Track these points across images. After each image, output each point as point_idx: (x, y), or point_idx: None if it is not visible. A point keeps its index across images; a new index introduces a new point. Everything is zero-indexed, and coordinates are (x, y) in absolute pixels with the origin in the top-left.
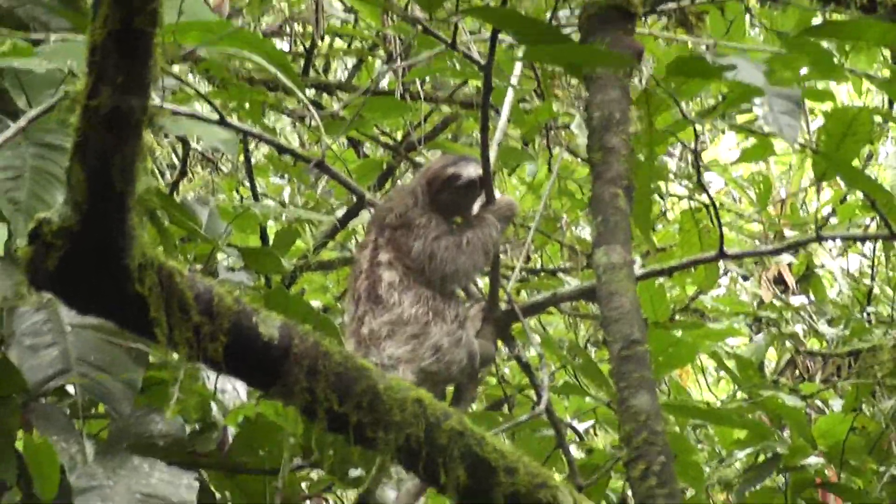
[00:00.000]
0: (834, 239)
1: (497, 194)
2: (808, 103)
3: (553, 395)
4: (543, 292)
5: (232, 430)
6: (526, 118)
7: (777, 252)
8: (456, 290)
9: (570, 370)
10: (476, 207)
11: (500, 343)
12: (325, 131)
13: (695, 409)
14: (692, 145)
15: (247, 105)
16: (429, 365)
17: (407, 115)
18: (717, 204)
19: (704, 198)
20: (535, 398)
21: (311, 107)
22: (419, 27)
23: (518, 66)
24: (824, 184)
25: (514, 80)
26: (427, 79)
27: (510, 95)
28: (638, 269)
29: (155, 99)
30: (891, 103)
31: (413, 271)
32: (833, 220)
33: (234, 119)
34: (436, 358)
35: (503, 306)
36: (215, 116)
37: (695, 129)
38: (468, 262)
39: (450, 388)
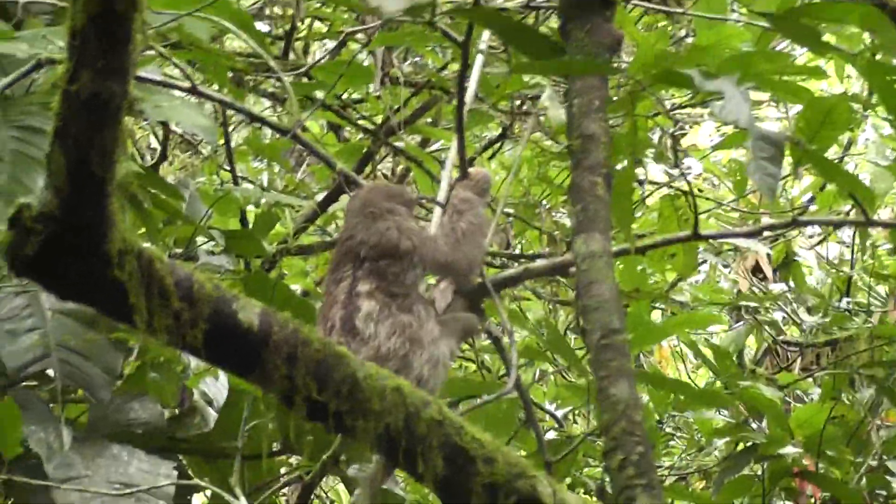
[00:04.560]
0: (811, 224)
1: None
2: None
3: (533, 383)
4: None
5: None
6: (496, 89)
7: (753, 234)
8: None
9: (539, 346)
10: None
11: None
12: (298, 106)
13: (674, 382)
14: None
15: (213, 67)
16: None
17: (386, 98)
18: (696, 190)
19: (682, 185)
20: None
21: (284, 77)
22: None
23: (486, 33)
24: (804, 172)
25: (482, 47)
26: (408, 60)
27: (479, 61)
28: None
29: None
30: (870, 92)
31: (397, 297)
32: (812, 208)
33: (206, 89)
34: (419, 388)
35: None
36: (187, 84)
37: (674, 120)
38: (475, 250)
39: None
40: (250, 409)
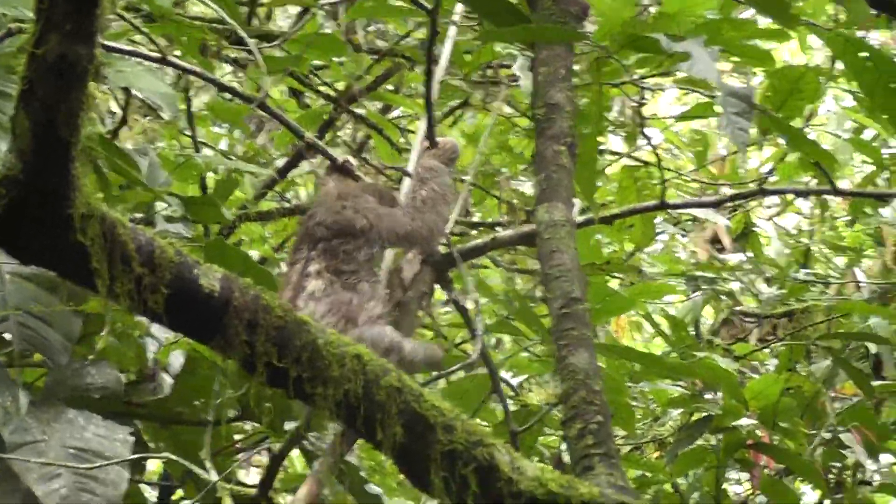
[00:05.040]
0: (778, 193)
1: (439, 139)
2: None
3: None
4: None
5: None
6: (467, 59)
7: (719, 204)
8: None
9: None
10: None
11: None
12: (267, 74)
13: (630, 351)
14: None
15: (184, 39)
16: None
17: (349, 66)
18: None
19: (641, 155)
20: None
21: (252, 43)
22: None
23: (459, 5)
24: (766, 143)
25: (455, 19)
26: (370, 28)
27: (452, 32)
28: (577, 217)
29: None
30: (832, 63)
31: (343, 275)
32: (772, 179)
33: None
34: None
35: (442, 250)
36: (157, 55)
37: (641, 89)
38: (436, 218)
39: None
40: (216, 378)
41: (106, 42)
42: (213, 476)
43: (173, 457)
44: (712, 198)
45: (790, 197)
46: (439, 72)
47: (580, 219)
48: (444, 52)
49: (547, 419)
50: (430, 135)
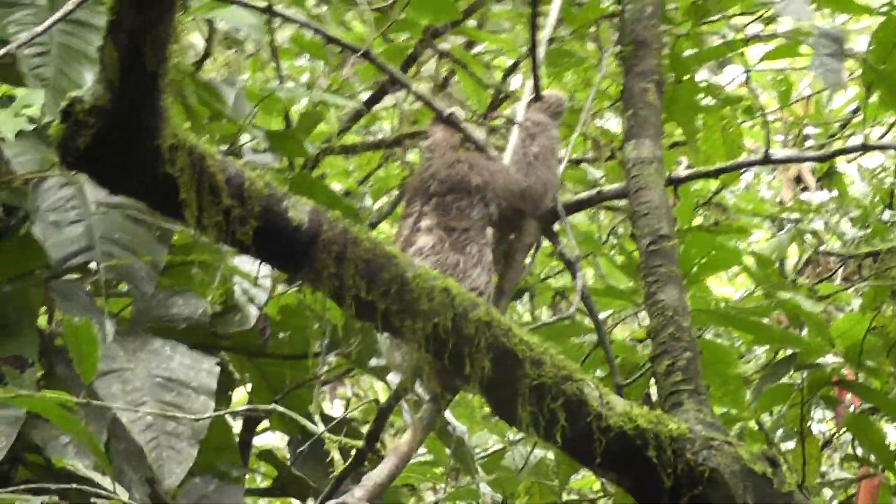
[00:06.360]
0: (880, 149)
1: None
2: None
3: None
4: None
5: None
6: (576, 15)
7: (822, 158)
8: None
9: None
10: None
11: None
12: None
13: (717, 314)
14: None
15: None
16: None
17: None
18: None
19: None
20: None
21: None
22: None
23: None
24: (848, 83)
25: None
26: None
27: None
28: (683, 171)
29: None
30: None
31: (454, 233)
32: (856, 119)
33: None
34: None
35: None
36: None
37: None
38: (548, 173)
39: None
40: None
41: None
42: (320, 427)
43: (282, 409)
44: (815, 153)
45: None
46: (547, 30)
47: (685, 173)
48: (553, 11)
49: (631, 355)
50: (535, 86)
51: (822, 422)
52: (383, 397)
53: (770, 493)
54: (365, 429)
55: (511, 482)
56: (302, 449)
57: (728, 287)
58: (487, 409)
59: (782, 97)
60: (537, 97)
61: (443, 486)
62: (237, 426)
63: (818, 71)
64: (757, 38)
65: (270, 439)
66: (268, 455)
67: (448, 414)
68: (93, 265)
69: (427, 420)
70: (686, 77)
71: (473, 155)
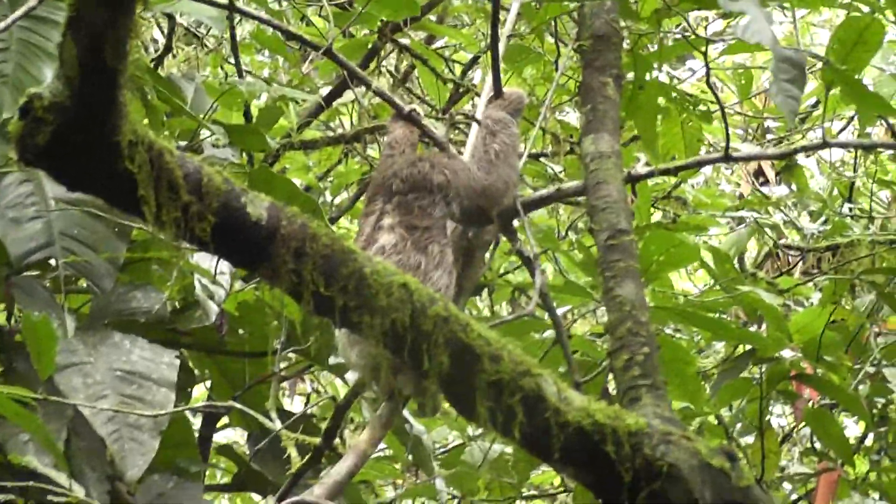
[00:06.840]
0: (842, 147)
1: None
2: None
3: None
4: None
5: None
6: (536, 10)
7: (783, 156)
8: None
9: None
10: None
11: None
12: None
13: (675, 311)
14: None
15: None
16: None
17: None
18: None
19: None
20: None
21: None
22: None
23: None
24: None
25: None
26: None
27: None
28: (642, 168)
29: None
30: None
31: (416, 231)
32: (816, 112)
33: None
34: None
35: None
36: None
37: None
38: (509, 171)
39: None
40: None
41: None
42: (278, 424)
43: (240, 406)
44: (775, 150)
45: (835, 129)
46: (508, 26)
47: (644, 170)
48: (513, 7)
49: (590, 349)
50: (495, 84)
51: (781, 416)
52: (342, 394)
53: (728, 488)
54: (324, 425)
55: (470, 478)
56: (260, 446)
57: (688, 282)
58: (447, 405)
59: (742, 91)
60: (498, 94)
61: (401, 482)
62: (197, 423)
63: (777, 98)
64: (719, 37)
65: (231, 435)
66: (227, 450)
67: (406, 412)
68: (52, 261)
69: (386, 417)
70: (648, 79)
71: (435, 153)
